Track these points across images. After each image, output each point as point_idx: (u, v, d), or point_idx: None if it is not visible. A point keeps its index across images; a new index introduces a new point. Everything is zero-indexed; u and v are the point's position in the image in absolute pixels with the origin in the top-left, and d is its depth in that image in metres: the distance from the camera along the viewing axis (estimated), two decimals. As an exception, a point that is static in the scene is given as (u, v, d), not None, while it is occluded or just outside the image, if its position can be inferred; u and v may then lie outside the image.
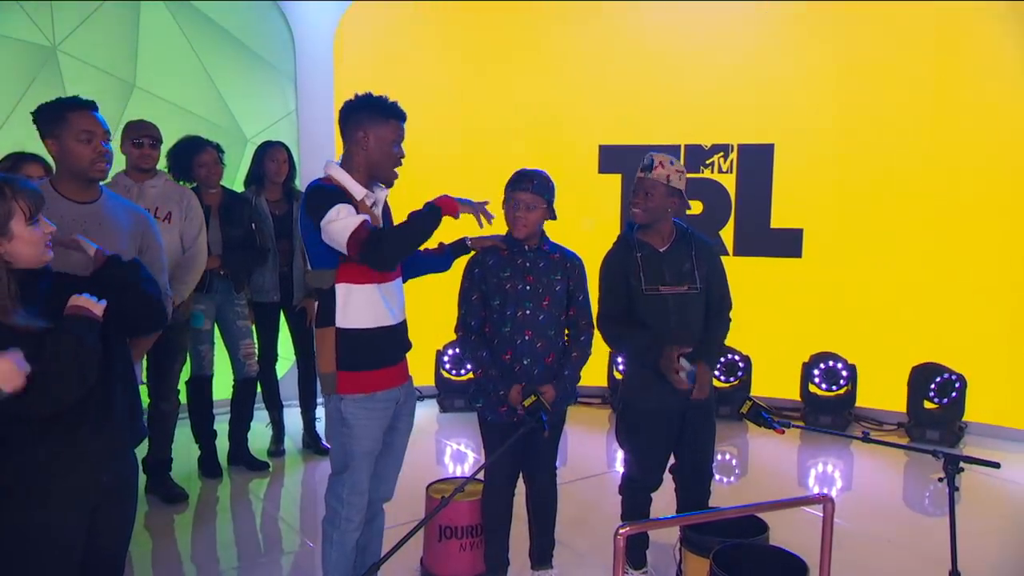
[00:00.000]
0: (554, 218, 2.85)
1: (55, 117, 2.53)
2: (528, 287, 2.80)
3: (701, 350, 2.87)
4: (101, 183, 2.67)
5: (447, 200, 2.47)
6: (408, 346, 2.65)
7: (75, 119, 2.52)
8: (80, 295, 1.88)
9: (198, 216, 3.84)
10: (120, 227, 2.77)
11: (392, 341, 2.53)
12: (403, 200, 2.70)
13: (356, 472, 2.52)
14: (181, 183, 4.18)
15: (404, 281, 2.66)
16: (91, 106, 2.60)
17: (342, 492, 2.54)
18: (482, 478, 3.01)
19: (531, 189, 2.75)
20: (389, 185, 2.56)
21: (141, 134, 3.73)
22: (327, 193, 2.39)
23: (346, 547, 2.57)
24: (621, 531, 1.91)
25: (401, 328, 2.58)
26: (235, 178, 4.75)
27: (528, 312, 2.80)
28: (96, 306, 1.87)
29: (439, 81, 5.70)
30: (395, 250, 2.38)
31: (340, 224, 2.31)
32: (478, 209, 2.56)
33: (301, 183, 5.05)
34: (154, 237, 2.97)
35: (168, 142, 4.22)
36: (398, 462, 2.74)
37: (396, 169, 2.52)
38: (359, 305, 2.44)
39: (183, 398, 4.20)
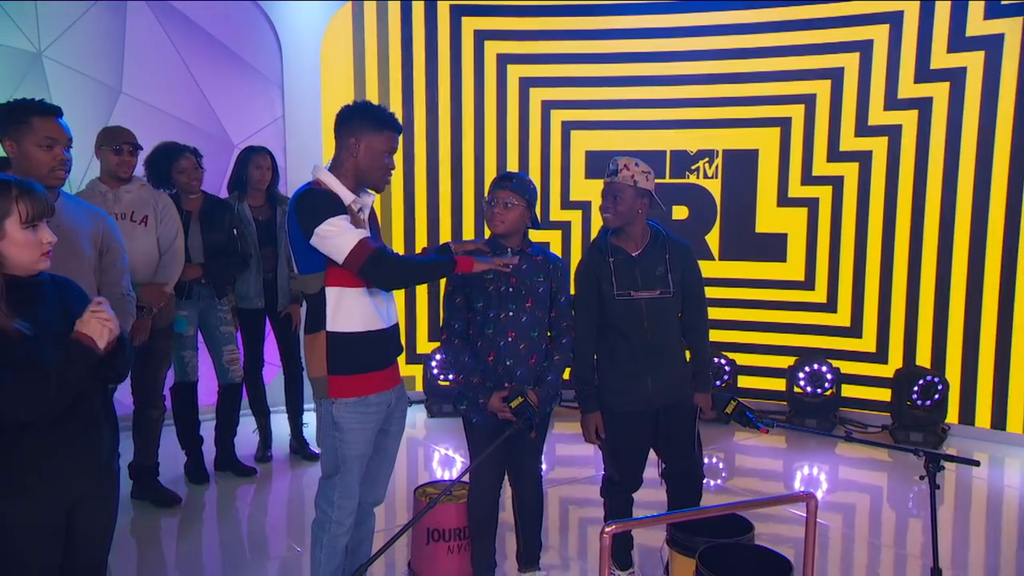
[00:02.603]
0: (537, 225, 2.87)
1: (18, 119, 2.50)
2: (511, 289, 2.81)
3: (697, 381, 2.97)
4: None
5: (467, 263, 2.49)
6: (399, 350, 2.65)
7: (39, 124, 2.50)
8: (101, 308, 1.85)
9: (174, 219, 3.82)
10: (79, 229, 2.76)
11: (382, 344, 2.53)
12: (390, 205, 2.71)
13: (347, 476, 2.52)
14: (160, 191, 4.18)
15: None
16: (56, 112, 2.57)
17: (333, 496, 2.53)
18: (468, 480, 3.02)
19: (510, 187, 2.77)
20: (378, 191, 2.57)
21: (121, 141, 3.67)
22: (318, 198, 2.39)
23: (335, 550, 2.56)
24: (607, 529, 1.92)
25: (392, 332, 2.58)
26: (222, 184, 4.74)
27: (511, 314, 2.81)
28: (104, 337, 1.85)
29: (426, 86, 5.72)
30: (394, 277, 2.43)
31: (340, 240, 2.33)
32: (495, 264, 2.55)
33: (287, 190, 5.06)
34: (114, 238, 2.95)
35: (152, 148, 4.21)
36: (390, 466, 2.74)
37: (385, 178, 2.53)
38: (350, 309, 2.44)
39: (167, 404, 4.18)
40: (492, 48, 5.75)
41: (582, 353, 2.93)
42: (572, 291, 2.99)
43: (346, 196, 2.45)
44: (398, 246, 5.52)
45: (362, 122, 2.45)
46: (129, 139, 3.72)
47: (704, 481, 3.09)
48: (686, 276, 2.95)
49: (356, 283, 2.44)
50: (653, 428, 2.96)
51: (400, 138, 2.54)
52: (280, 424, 4.77)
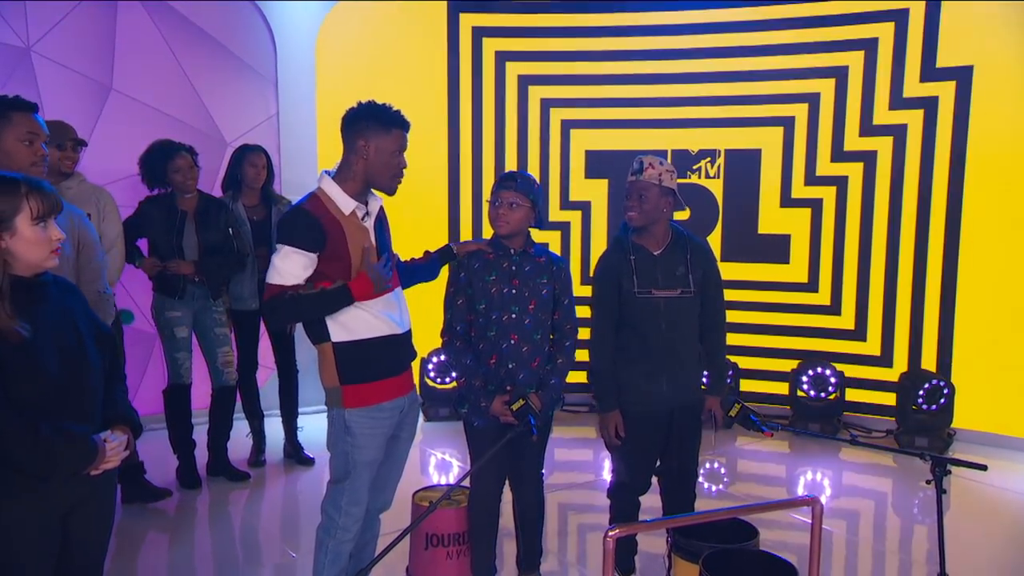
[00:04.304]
0: (540, 225, 2.88)
1: None
2: (514, 291, 2.83)
3: (713, 384, 3.01)
4: None
5: (363, 287, 2.43)
6: (412, 355, 2.68)
7: (20, 120, 2.55)
8: (110, 446, 1.98)
9: (116, 218, 3.77)
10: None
11: (392, 351, 2.56)
12: (388, 207, 2.71)
13: (356, 481, 2.54)
14: (156, 190, 4.18)
15: None
16: (34, 108, 2.62)
17: (340, 501, 2.55)
18: (468, 485, 3.03)
19: (514, 187, 2.78)
20: (390, 194, 2.57)
21: (65, 136, 3.63)
22: (293, 221, 2.41)
23: (339, 556, 2.58)
24: (611, 533, 1.93)
25: (403, 338, 2.60)
26: (215, 183, 4.75)
27: (514, 316, 2.82)
28: (114, 463, 2.00)
29: (423, 84, 5.73)
30: (287, 320, 2.50)
31: (271, 271, 2.42)
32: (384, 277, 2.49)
33: (281, 188, 5.06)
34: (89, 234, 3.01)
35: (142, 146, 4.21)
36: (399, 471, 2.77)
37: (397, 179, 2.53)
38: (347, 318, 2.47)
39: (157, 407, 4.17)
40: (490, 45, 5.76)
41: (601, 351, 2.94)
42: (575, 290, 3.01)
43: (346, 205, 2.46)
44: (395, 247, 5.53)
45: (369, 123, 2.46)
46: (72, 135, 3.69)
47: (706, 487, 3.11)
48: (706, 277, 2.98)
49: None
50: (666, 429, 2.98)
51: (407, 137, 2.54)
52: (274, 428, 4.78)
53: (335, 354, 2.48)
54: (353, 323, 2.48)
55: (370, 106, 2.50)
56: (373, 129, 2.45)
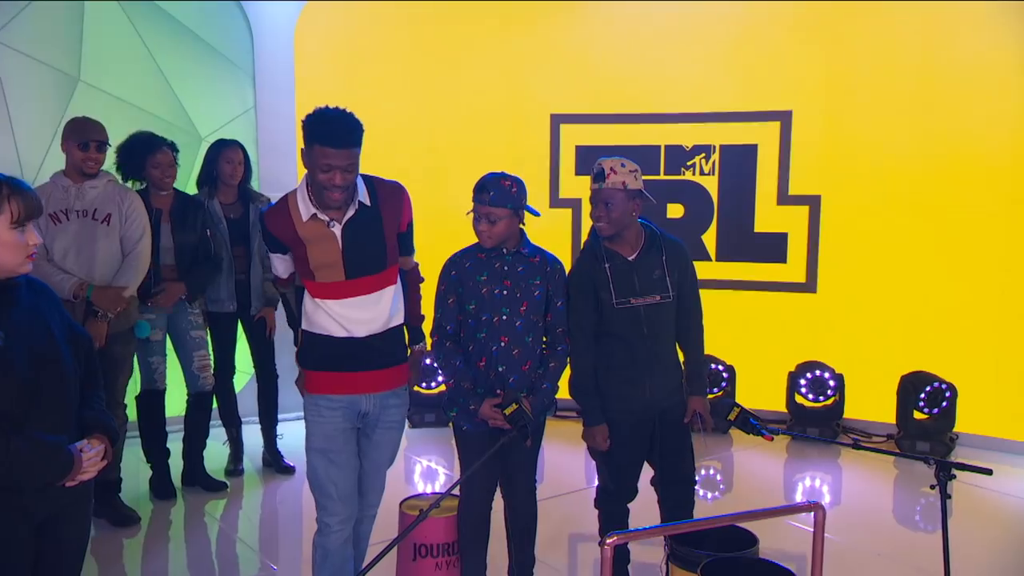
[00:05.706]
0: (536, 214, 2.88)
1: None
2: (505, 291, 2.83)
3: (692, 385, 3.02)
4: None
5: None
6: (376, 362, 2.69)
7: None
8: (88, 454, 1.97)
9: (140, 220, 3.81)
10: None
11: (345, 351, 2.63)
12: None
13: (312, 470, 2.68)
14: (131, 183, 4.15)
15: None
16: None
17: (315, 494, 2.69)
18: (458, 493, 3.03)
19: (488, 201, 2.76)
20: (329, 207, 2.50)
21: (89, 137, 3.68)
22: (260, 226, 2.69)
23: (328, 554, 2.67)
24: (608, 541, 1.94)
25: (357, 343, 2.63)
26: (188, 179, 4.72)
27: (505, 318, 2.83)
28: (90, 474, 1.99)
29: (407, 75, 5.73)
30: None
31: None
32: None
33: (260, 184, 5.05)
34: None
35: (115, 141, 4.18)
36: (377, 475, 2.84)
37: (325, 194, 2.44)
38: (311, 310, 2.66)
39: (132, 414, 4.15)
40: (471, 35, 5.77)
41: (582, 363, 2.95)
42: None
43: (304, 212, 2.52)
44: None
45: (304, 133, 2.45)
46: (97, 135, 3.72)
47: (702, 494, 3.14)
48: (682, 276, 3.00)
49: (310, 288, 2.63)
50: (651, 435, 3.00)
51: (340, 152, 2.38)
52: (252, 435, 4.76)
53: (302, 337, 2.71)
54: (314, 316, 2.65)
55: (311, 115, 2.43)
56: (305, 139, 2.44)
